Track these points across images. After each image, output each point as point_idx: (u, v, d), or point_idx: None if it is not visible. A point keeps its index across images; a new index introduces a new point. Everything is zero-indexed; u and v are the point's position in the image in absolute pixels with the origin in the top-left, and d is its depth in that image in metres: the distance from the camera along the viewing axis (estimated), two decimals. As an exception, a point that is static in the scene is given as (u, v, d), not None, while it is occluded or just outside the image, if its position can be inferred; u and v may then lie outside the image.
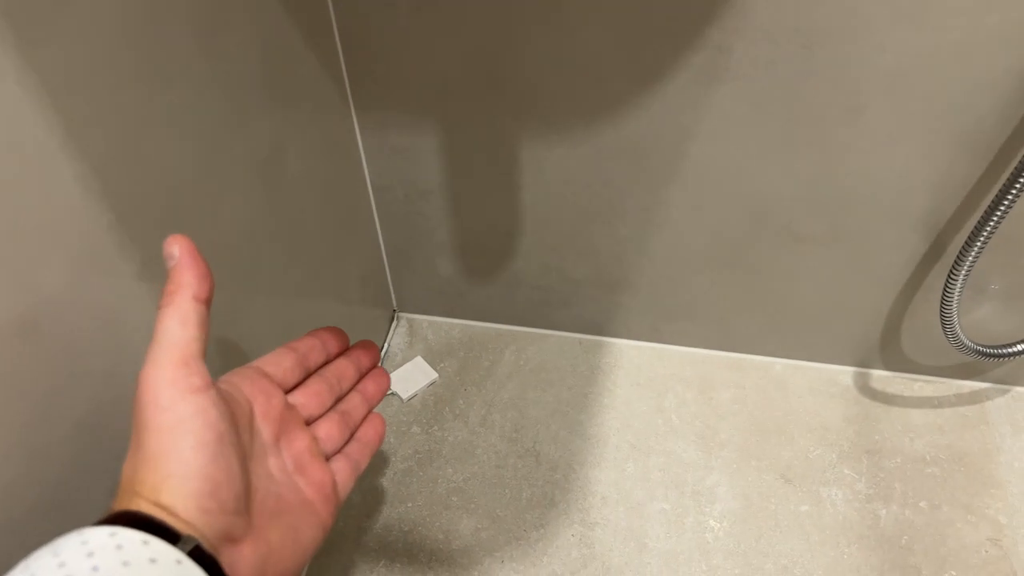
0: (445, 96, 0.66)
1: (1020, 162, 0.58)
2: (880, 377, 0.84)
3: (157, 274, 0.42)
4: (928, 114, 0.60)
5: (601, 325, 0.87)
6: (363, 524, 0.73)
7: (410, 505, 0.75)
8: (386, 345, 0.88)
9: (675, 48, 0.59)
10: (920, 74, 0.57)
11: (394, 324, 0.90)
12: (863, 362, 0.84)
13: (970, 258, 0.65)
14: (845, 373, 0.84)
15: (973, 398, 0.81)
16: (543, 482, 0.76)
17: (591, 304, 0.84)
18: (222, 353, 0.51)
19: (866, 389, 0.83)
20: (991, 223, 0.62)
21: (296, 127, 0.58)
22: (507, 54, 0.61)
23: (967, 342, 0.70)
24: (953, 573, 0.69)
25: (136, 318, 0.40)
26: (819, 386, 0.83)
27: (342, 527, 0.73)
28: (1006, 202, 0.60)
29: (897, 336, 0.80)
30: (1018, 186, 0.59)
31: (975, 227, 0.63)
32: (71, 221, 0.35)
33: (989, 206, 0.62)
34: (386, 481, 0.77)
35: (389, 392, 0.83)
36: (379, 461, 0.78)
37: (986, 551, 0.71)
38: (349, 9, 0.61)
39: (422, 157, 0.72)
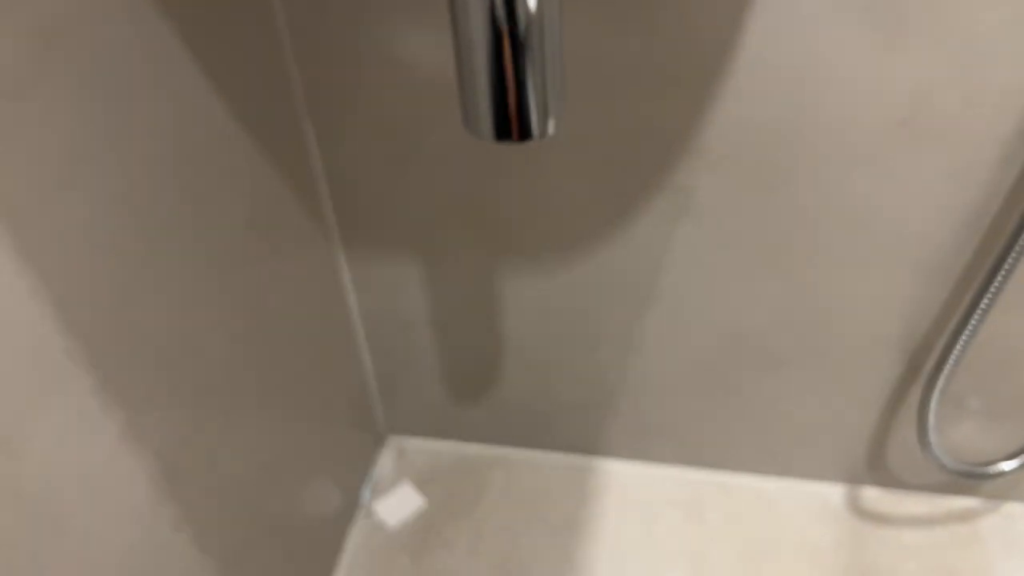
0: (429, 234, 0.69)
1: (980, 286, 0.60)
2: (870, 495, 0.83)
3: (140, 435, 0.43)
4: (888, 246, 0.62)
5: (590, 445, 0.87)
6: (348, 662, 0.72)
7: (396, 641, 0.73)
8: (373, 471, 0.88)
9: (642, 189, 0.62)
10: (877, 210, 0.60)
11: (382, 449, 0.90)
12: (853, 479, 0.83)
13: (942, 377, 0.66)
14: (835, 491, 0.84)
15: (964, 516, 0.81)
16: (531, 613, 0.75)
17: (578, 425, 0.85)
18: (207, 479, 0.52)
19: (856, 508, 0.82)
20: (959, 344, 0.63)
21: (280, 269, 0.60)
22: (486, 197, 0.64)
23: (945, 462, 0.70)
24: None
25: (115, 479, 0.41)
26: (809, 505, 0.83)
27: (326, 666, 0.71)
28: (971, 324, 0.62)
29: (883, 453, 0.80)
30: (981, 308, 0.61)
31: (944, 348, 0.65)
32: (57, 391, 0.36)
33: (955, 328, 0.63)
34: (372, 615, 0.75)
35: (377, 520, 0.83)
36: (365, 593, 0.77)
37: None
38: (336, 159, 0.64)
39: (408, 290, 0.74)
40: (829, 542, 0.79)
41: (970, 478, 0.71)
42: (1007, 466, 0.71)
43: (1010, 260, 0.57)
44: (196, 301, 0.48)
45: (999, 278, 0.58)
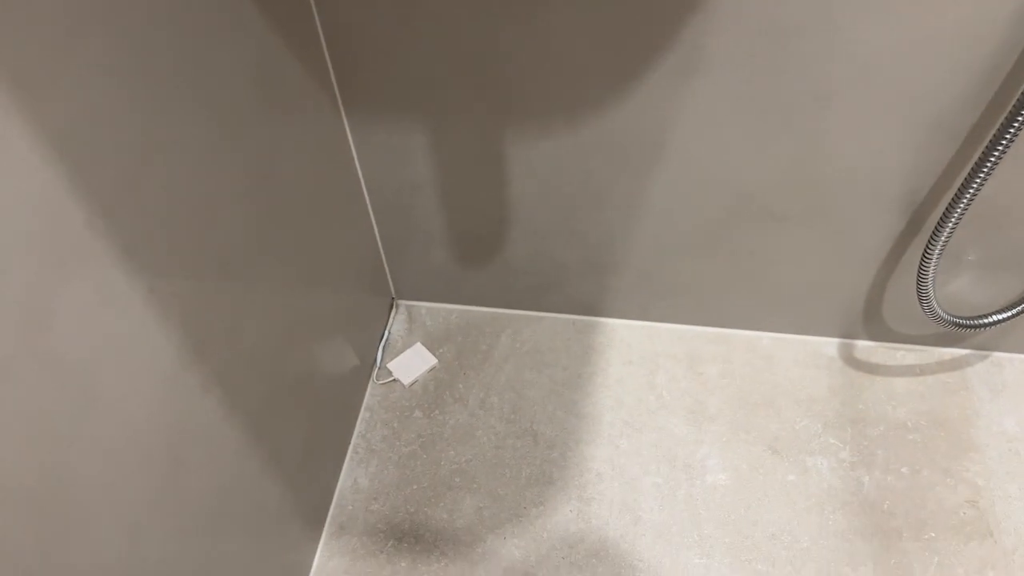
0: (431, 95, 0.68)
1: (988, 143, 0.60)
2: (864, 347, 0.86)
3: (164, 302, 0.45)
4: (898, 102, 0.62)
5: (592, 306, 0.90)
6: (371, 507, 0.77)
7: (415, 487, 0.78)
8: (386, 332, 0.91)
9: (651, 47, 0.60)
10: (888, 65, 0.59)
11: (393, 312, 0.93)
12: (847, 333, 0.86)
13: (945, 233, 0.67)
14: (830, 344, 0.87)
15: (954, 365, 0.84)
16: (541, 461, 0.80)
17: (581, 286, 0.87)
18: (231, 344, 0.54)
19: (850, 359, 0.86)
20: (964, 200, 0.64)
21: (289, 133, 0.60)
22: (489, 55, 0.63)
23: (942, 314, 0.72)
24: (932, 534, 0.73)
25: (142, 343, 0.43)
26: (805, 358, 0.86)
27: (351, 510, 0.77)
28: (977, 180, 0.62)
29: (879, 308, 0.83)
30: (988, 165, 0.61)
31: (949, 204, 0.66)
32: (80, 261, 0.37)
33: (962, 185, 0.64)
34: (391, 465, 0.80)
35: (391, 379, 0.87)
36: (385, 446, 0.82)
37: (964, 512, 0.74)
38: (334, 17, 0.62)
39: (412, 153, 0.74)
40: (823, 391, 0.83)
41: (965, 329, 0.74)
42: (999, 317, 0.74)
43: (1021, 118, 0.57)
44: (209, 164, 0.48)
45: (1009, 134, 0.58)
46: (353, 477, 0.80)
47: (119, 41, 0.39)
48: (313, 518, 0.75)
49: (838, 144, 0.66)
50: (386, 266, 0.90)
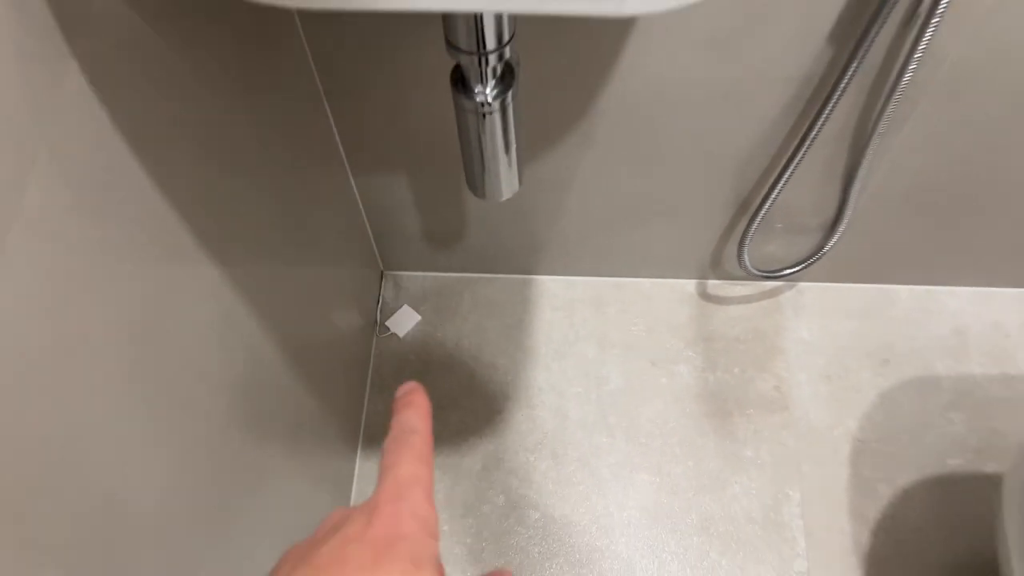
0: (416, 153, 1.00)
1: (780, 169, 0.96)
2: (713, 284, 1.26)
3: (204, 281, 0.77)
4: (717, 153, 0.97)
5: (529, 268, 1.26)
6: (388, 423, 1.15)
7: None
8: (380, 298, 1.25)
9: (565, 130, 0.93)
10: (713, 132, 0.94)
11: (383, 281, 1.27)
12: (701, 276, 1.25)
13: (760, 214, 1.03)
14: (690, 284, 1.26)
15: (772, 293, 1.25)
16: (501, 383, 1.18)
17: (521, 253, 1.22)
18: (264, 323, 0.89)
19: (703, 294, 1.25)
20: (769, 201, 1.00)
21: (285, 125, 0.88)
22: (448, 134, 0.95)
23: (752, 270, 1.10)
24: (751, 411, 1.15)
25: (189, 298, 0.63)
26: (673, 296, 1.25)
27: (375, 426, 1.14)
28: (777, 188, 0.98)
29: (721, 258, 1.21)
30: (783, 179, 0.97)
31: (758, 205, 1.02)
32: (173, 251, 0.71)
33: (771, 184, 0.99)
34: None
35: (389, 332, 1.22)
36: (393, 380, 1.18)
37: (771, 395, 1.17)
38: None
39: (399, 179, 1.06)
40: (685, 319, 1.23)
41: (769, 278, 1.13)
42: (791, 269, 1.13)
43: (806, 143, 0.93)
44: (236, 166, 0.68)
45: (797, 158, 0.95)
46: (374, 403, 1.17)
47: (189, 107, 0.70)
48: (351, 435, 1.12)
49: (686, 170, 1.01)
50: (375, 246, 1.23)
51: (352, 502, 1.11)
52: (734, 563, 1.06)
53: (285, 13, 0.77)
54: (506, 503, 1.11)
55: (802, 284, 1.25)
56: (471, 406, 1.16)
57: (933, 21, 0.73)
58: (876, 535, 1.08)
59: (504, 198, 0.70)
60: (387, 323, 1.23)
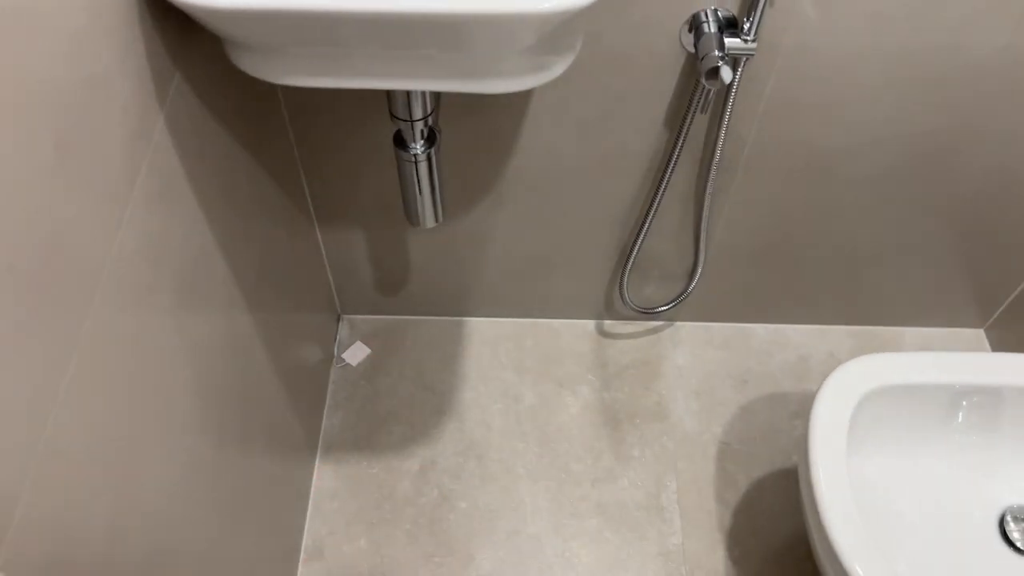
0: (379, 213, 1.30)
1: (639, 225, 1.28)
2: (608, 324, 1.56)
3: (186, 328, 1.05)
4: (599, 207, 1.29)
5: (461, 310, 1.54)
6: (343, 435, 1.40)
7: (367, 423, 1.41)
8: (337, 335, 1.52)
9: (478, 193, 1.25)
10: (598, 194, 1.26)
11: (340, 322, 1.54)
12: (598, 316, 1.56)
13: (630, 262, 1.35)
14: (590, 324, 1.56)
15: (655, 330, 1.55)
16: (436, 402, 1.44)
17: (453, 298, 1.51)
18: (256, 346, 1.15)
19: (601, 331, 1.55)
20: (637, 244, 1.32)
21: (267, 203, 1.19)
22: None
23: (633, 306, 1.41)
24: (638, 420, 1.44)
25: (203, 331, 1.03)
26: (577, 332, 1.55)
27: (331, 439, 1.39)
28: (641, 236, 1.30)
29: (612, 302, 1.52)
30: (646, 226, 1.29)
31: (631, 246, 1.34)
32: (179, 294, 0.98)
33: (633, 239, 1.32)
34: (352, 412, 1.43)
35: (344, 363, 1.48)
36: (346, 401, 1.44)
37: (654, 408, 1.45)
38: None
39: (355, 234, 1.36)
40: (586, 350, 1.52)
41: (646, 316, 1.44)
42: (664, 308, 1.44)
43: (655, 203, 1.25)
44: (232, 221, 1.08)
45: (652, 212, 1.27)
46: (330, 419, 1.42)
47: (199, 191, 0.99)
48: (312, 444, 1.37)
49: (576, 223, 1.33)
50: (335, 294, 1.51)
51: (311, 495, 1.34)
52: (624, 539, 1.32)
53: (272, 89, 1.07)
54: (439, 496, 1.35)
55: (678, 323, 1.56)
56: (411, 420, 1.42)
57: (727, 114, 1.08)
58: (736, 516, 1.35)
59: (430, 225, 1.00)
60: (343, 355, 1.49)
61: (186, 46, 0.75)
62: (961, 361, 1.06)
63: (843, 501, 0.94)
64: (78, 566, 0.58)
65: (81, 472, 0.58)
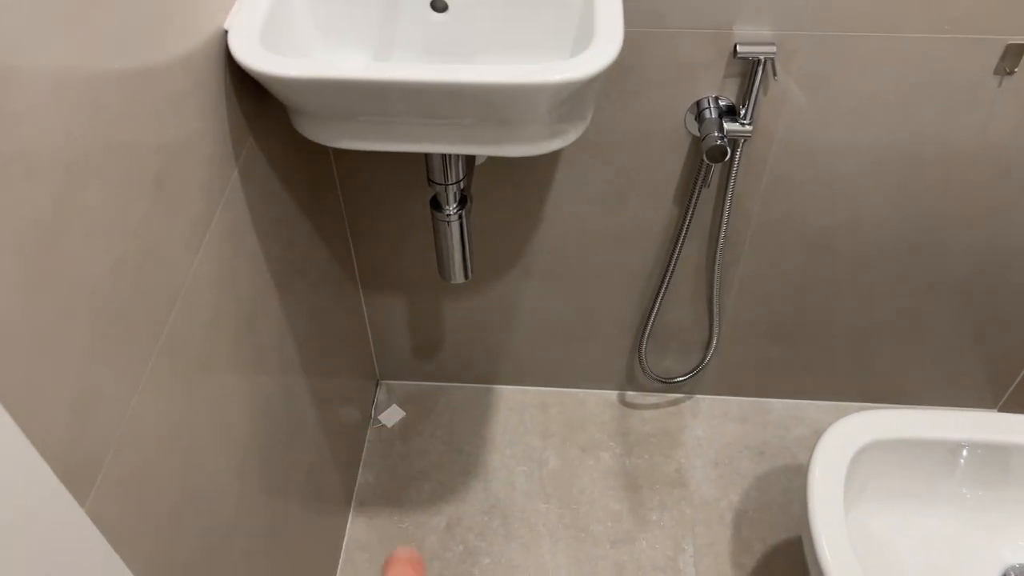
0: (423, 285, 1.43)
1: (656, 289, 1.39)
2: (631, 395, 1.64)
3: (242, 393, 1.16)
4: (615, 270, 1.41)
5: (490, 378, 1.64)
6: (375, 491, 1.48)
7: (399, 480, 1.50)
8: (376, 399, 1.63)
9: (504, 264, 1.38)
10: (610, 261, 1.38)
11: (378, 387, 1.65)
12: (621, 387, 1.64)
13: (646, 335, 1.44)
14: (612, 394, 1.64)
15: (675, 401, 1.63)
16: (464, 463, 1.53)
17: (483, 367, 1.62)
18: (290, 420, 1.26)
19: (624, 402, 1.63)
20: (651, 319, 1.42)
21: (316, 289, 1.32)
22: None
23: (653, 377, 1.50)
24: (657, 487, 1.49)
25: (262, 392, 1.14)
26: (600, 401, 1.63)
27: (366, 493, 1.47)
28: (656, 309, 1.40)
29: (633, 373, 1.60)
30: (660, 298, 1.39)
31: (645, 323, 1.43)
32: (210, 361, 1.09)
33: (648, 314, 1.42)
34: (385, 469, 1.51)
35: (381, 425, 1.58)
36: (380, 459, 1.53)
37: (673, 476, 1.51)
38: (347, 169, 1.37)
39: (396, 299, 1.48)
40: (609, 418, 1.60)
41: (665, 385, 1.52)
42: (682, 378, 1.52)
43: (669, 274, 1.36)
44: (288, 285, 1.20)
45: (665, 284, 1.37)
46: (365, 476, 1.51)
47: (257, 261, 1.12)
48: (347, 497, 1.45)
49: (596, 290, 1.44)
50: (375, 361, 1.62)
51: (344, 545, 1.42)
52: (641, 599, 1.36)
53: (326, 158, 1.22)
54: (464, 551, 1.42)
55: (698, 396, 1.64)
56: (440, 479, 1.50)
57: (730, 189, 1.20)
58: (753, 581, 1.38)
59: (459, 280, 1.12)
60: (380, 417, 1.60)
61: (259, 116, 0.90)
62: (955, 418, 1.12)
63: (842, 551, 1.00)
64: (145, 534, 0.68)
65: (151, 457, 0.69)
